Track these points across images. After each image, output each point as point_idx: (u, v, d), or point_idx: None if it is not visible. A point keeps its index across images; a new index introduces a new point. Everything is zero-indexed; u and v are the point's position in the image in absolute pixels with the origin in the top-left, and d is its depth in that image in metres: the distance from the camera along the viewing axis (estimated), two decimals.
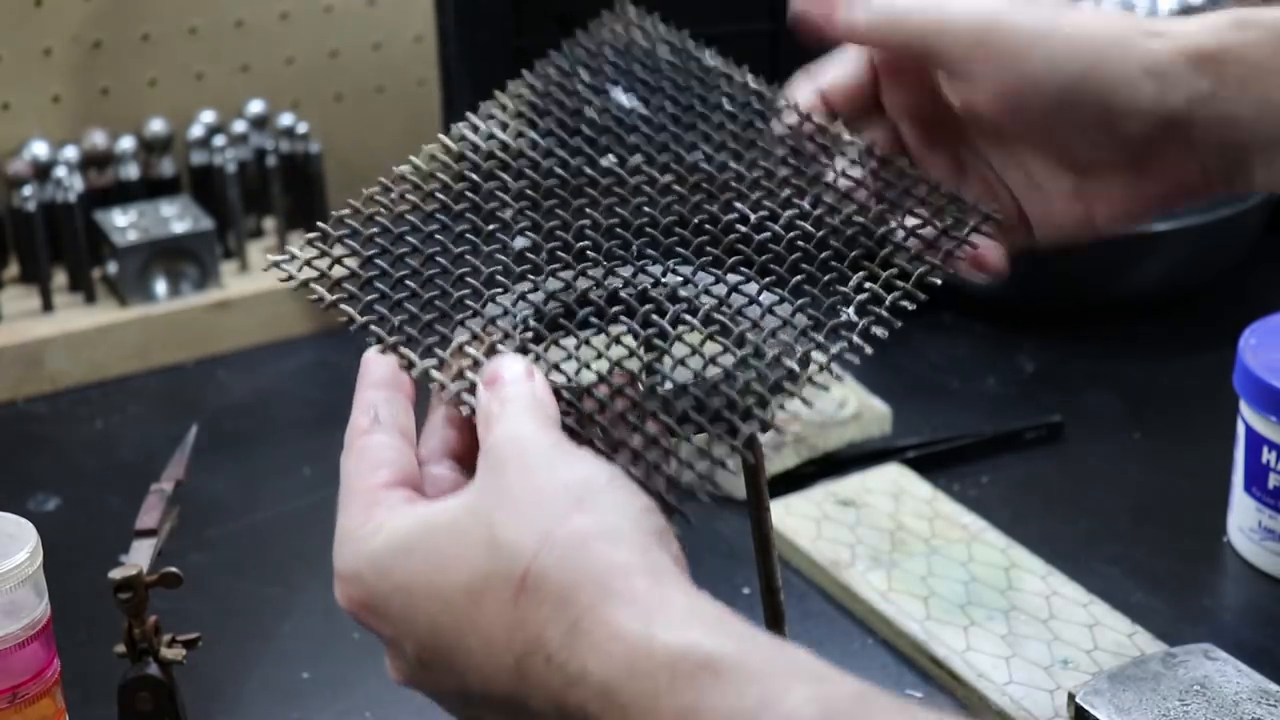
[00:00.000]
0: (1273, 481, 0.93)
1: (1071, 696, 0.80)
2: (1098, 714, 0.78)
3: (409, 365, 0.62)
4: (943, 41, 0.67)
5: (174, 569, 0.79)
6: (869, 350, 0.61)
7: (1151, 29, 0.67)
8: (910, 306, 0.63)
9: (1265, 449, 0.93)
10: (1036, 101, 0.66)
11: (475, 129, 0.71)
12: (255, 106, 1.33)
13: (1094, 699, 0.78)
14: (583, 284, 0.64)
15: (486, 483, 0.54)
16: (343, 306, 0.64)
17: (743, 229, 0.66)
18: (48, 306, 1.22)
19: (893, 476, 1.02)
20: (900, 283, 0.63)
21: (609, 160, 0.69)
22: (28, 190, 1.22)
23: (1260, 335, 0.95)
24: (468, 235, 0.65)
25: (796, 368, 0.60)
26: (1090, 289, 1.24)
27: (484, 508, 0.53)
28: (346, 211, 0.66)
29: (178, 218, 1.24)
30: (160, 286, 1.23)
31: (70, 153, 1.26)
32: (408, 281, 0.64)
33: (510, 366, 0.58)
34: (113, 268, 1.23)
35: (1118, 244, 1.21)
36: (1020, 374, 1.18)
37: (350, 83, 1.41)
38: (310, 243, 0.65)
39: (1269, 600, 0.94)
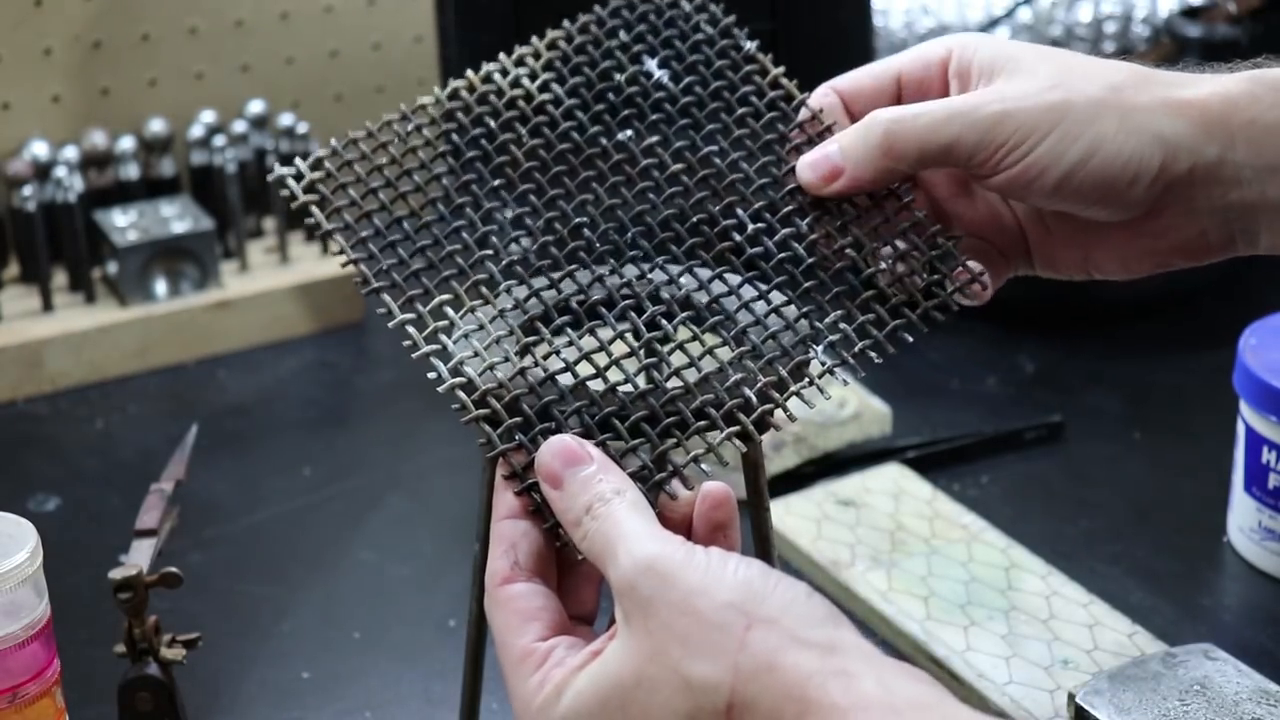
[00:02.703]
0: (1273, 481, 0.93)
1: (1071, 696, 0.80)
2: (1098, 714, 0.78)
3: (390, 314, 0.63)
4: (956, 139, 0.67)
5: (174, 569, 0.79)
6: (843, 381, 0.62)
7: (1162, 100, 0.67)
8: (876, 359, 0.64)
9: (1265, 449, 0.93)
10: (1045, 180, 0.67)
11: (504, 73, 0.70)
12: (255, 106, 1.32)
13: (1094, 699, 0.78)
14: (578, 281, 0.65)
15: (648, 625, 0.54)
16: (336, 236, 0.65)
17: (737, 237, 0.66)
18: (48, 306, 1.22)
19: (893, 476, 1.02)
20: (873, 330, 0.64)
21: (625, 134, 0.68)
22: (28, 190, 1.22)
23: (1260, 335, 0.95)
24: (466, 209, 0.66)
25: (788, 376, 0.61)
26: (1090, 289, 1.23)
27: (660, 651, 0.54)
28: (361, 134, 0.67)
29: (178, 218, 1.24)
30: (160, 286, 1.23)
31: (70, 153, 1.26)
32: (404, 225, 0.65)
33: (572, 463, 0.58)
34: (113, 268, 1.23)
35: None
36: (1020, 374, 1.18)
37: (350, 83, 1.41)
38: (317, 162, 0.66)
39: (1269, 600, 0.94)
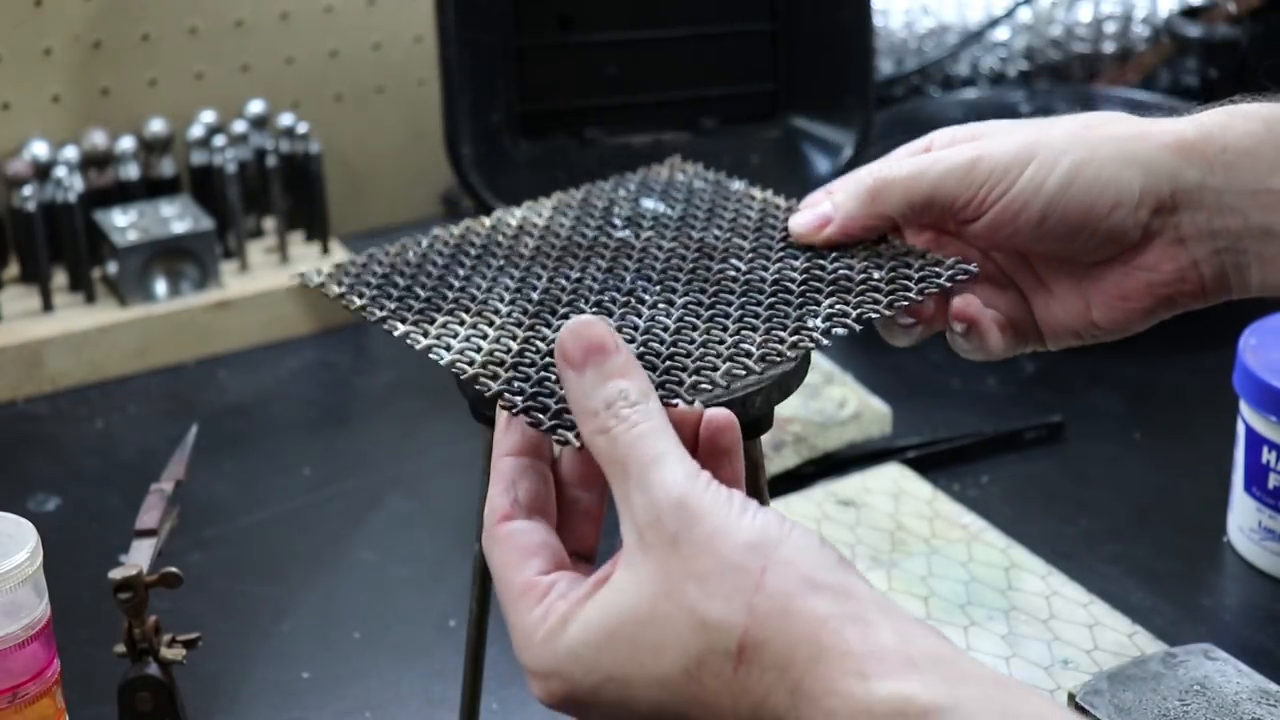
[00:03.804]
0: (1273, 481, 0.93)
1: (1071, 696, 0.80)
2: (1098, 714, 0.78)
3: (397, 332, 0.66)
4: (937, 182, 0.69)
5: (174, 569, 0.79)
6: (821, 343, 0.64)
7: (1137, 130, 0.69)
8: (883, 312, 0.66)
9: (1265, 449, 0.93)
10: (1028, 215, 0.68)
11: (513, 215, 0.77)
12: (255, 106, 1.33)
13: (1094, 699, 0.79)
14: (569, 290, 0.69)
15: (667, 561, 0.54)
16: (347, 296, 0.69)
17: (733, 274, 0.69)
18: (48, 306, 1.22)
19: (893, 476, 1.02)
20: (873, 306, 0.66)
21: (625, 234, 0.74)
22: (28, 190, 1.22)
23: (1260, 335, 0.95)
24: (476, 266, 0.71)
25: (754, 350, 0.63)
26: None
27: (676, 589, 0.53)
28: (377, 252, 0.72)
29: (178, 218, 1.24)
30: (160, 286, 1.23)
31: (70, 153, 1.26)
32: (405, 271, 0.70)
33: (597, 349, 0.57)
34: (113, 268, 1.23)
35: None
36: (1020, 374, 1.18)
37: (350, 83, 1.41)
38: (339, 267, 0.72)
39: (1269, 600, 0.94)
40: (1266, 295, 0.70)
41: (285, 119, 1.31)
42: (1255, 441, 0.94)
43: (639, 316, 0.65)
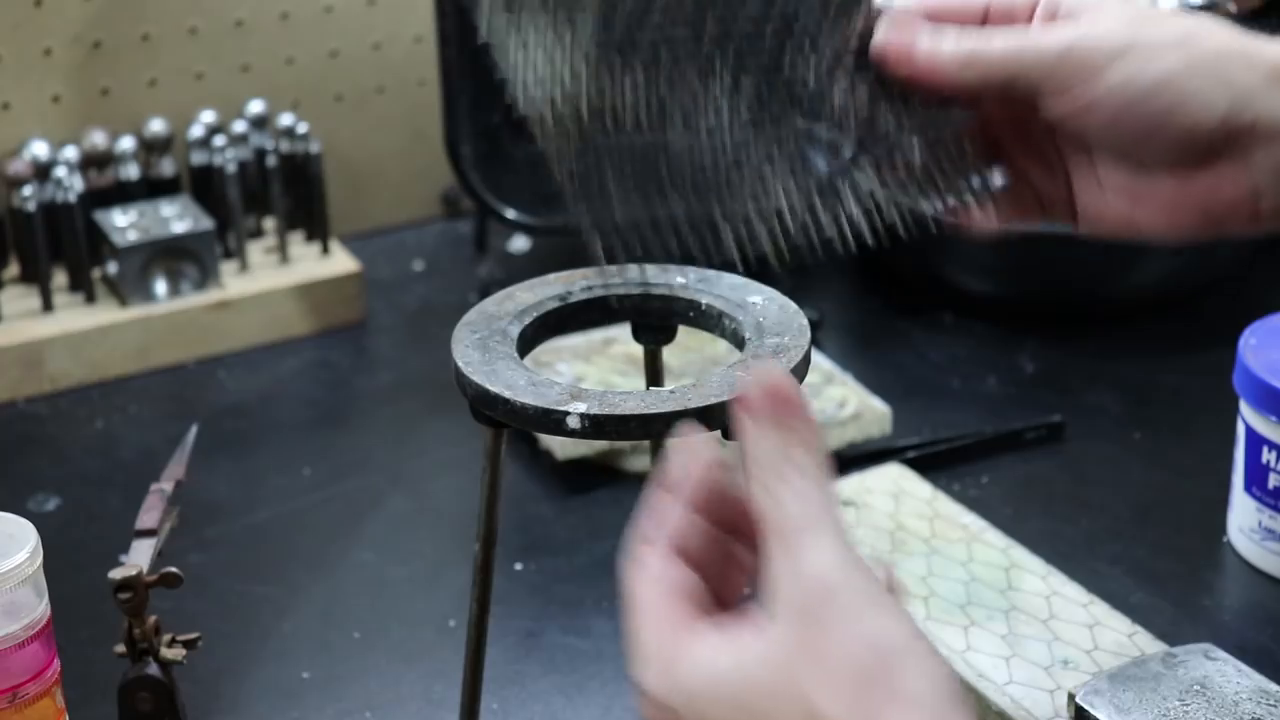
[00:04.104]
0: (1273, 481, 0.93)
1: (1071, 696, 0.80)
2: (1098, 714, 0.78)
3: None
4: (1025, 69, 0.68)
5: (174, 569, 0.79)
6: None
7: (1239, 48, 0.67)
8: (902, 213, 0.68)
9: (1265, 449, 0.93)
10: (1107, 107, 0.67)
11: None
12: (255, 106, 1.32)
13: (1094, 699, 0.79)
14: None
15: (797, 634, 0.53)
16: None
17: (800, 87, 0.68)
18: (48, 306, 1.22)
19: (893, 476, 1.02)
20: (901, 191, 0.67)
21: None
22: (28, 190, 1.22)
23: (1260, 335, 0.95)
24: None
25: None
26: (1090, 289, 1.24)
27: (797, 666, 0.52)
28: None
29: (178, 218, 1.24)
30: (160, 286, 1.23)
31: (70, 153, 1.26)
32: None
33: (784, 403, 0.55)
34: (113, 268, 1.23)
35: (1118, 244, 1.20)
36: (1020, 374, 1.18)
37: (350, 83, 1.41)
38: None
39: (1269, 600, 0.94)
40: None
41: (285, 119, 1.31)
42: (1255, 441, 0.94)
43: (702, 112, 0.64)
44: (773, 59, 0.67)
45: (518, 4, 0.64)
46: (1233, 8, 1.43)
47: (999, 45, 0.68)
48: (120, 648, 0.80)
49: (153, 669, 0.79)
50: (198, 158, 1.30)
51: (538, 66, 0.62)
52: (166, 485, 0.86)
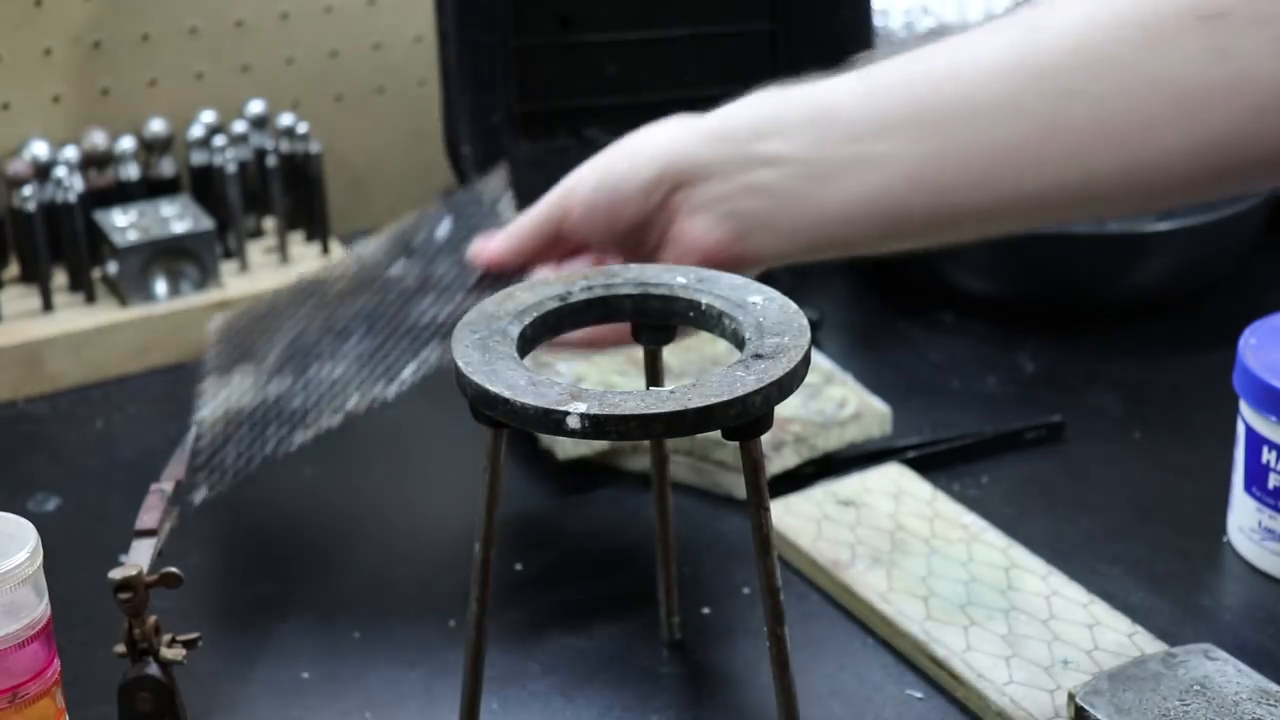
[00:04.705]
0: (1273, 481, 0.93)
1: (1071, 696, 0.80)
2: (1098, 714, 0.78)
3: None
4: (563, 221, 0.85)
5: (174, 569, 0.79)
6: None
7: (673, 127, 0.84)
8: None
9: (1265, 449, 0.93)
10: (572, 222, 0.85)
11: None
12: (255, 106, 1.33)
13: (1094, 699, 0.79)
14: None
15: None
16: None
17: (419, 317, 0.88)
18: (48, 306, 1.22)
19: (893, 476, 1.02)
20: None
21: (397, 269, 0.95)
22: (28, 190, 1.22)
23: (1260, 335, 0.95)
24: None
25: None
26: (1091, 289, 1.24)
27: None
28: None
29: (178, 218, 1.24)
30: (160, 286, 1.23)
31: (70, 153, 1.26)
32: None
33: None
34: (113, 268, 1.23)
35: (1118, 244, 1.21)
36: (1020, 374, 1.18)
37: (350, 83, 1.41)
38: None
39: (1269, 600, 0.94)
40: (771, 262, 0.81)
41: (285, 119, 1.31)
42: (1255, 441, 0.94)
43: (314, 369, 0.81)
44: (400, 312, 0.85)
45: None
46: None
47: (544, 206, 0.87)
48: (120, 648, 0.80)
49: (153, 669, 0.79)
50: (198, 158, 1.30)
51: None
52: (166, 485, 0.86)
